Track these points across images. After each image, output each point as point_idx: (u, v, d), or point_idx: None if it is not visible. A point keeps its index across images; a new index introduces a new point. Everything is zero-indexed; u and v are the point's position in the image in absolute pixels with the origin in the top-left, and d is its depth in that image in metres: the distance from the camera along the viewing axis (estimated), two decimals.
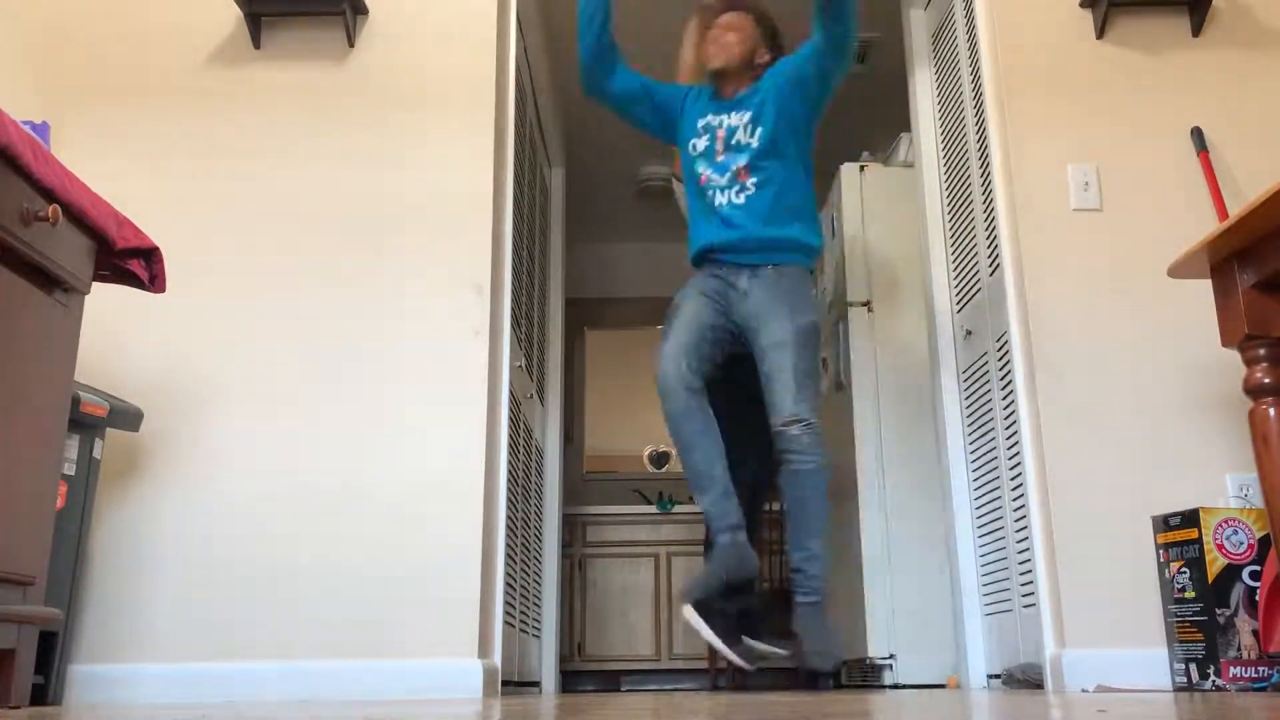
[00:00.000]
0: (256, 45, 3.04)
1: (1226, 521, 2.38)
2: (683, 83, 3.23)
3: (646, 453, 6.18)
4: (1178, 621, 2.42)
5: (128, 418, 2.47)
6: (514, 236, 3.30)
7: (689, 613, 2.83)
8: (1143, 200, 2.86)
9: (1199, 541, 2.37)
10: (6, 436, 1.76)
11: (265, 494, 2.72)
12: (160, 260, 2.20)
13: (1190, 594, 2.38)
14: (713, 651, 4.87)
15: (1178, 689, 2.42)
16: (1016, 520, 2.91)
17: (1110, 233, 2.83)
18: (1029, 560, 2.79)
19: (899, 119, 4.20)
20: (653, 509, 5.51)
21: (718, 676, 4.92)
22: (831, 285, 4.17)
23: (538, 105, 4.30)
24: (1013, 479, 2.94)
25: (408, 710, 1.73)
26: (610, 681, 5.44)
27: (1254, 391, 1.98)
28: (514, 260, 3.39)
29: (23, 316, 1.82)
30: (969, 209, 3.26)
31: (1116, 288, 2.79)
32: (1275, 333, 1.97)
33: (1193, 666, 2.37)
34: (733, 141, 2.95)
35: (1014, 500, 2.93)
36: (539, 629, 4.26)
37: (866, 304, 3.89)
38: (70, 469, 2.36)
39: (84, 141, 2.96)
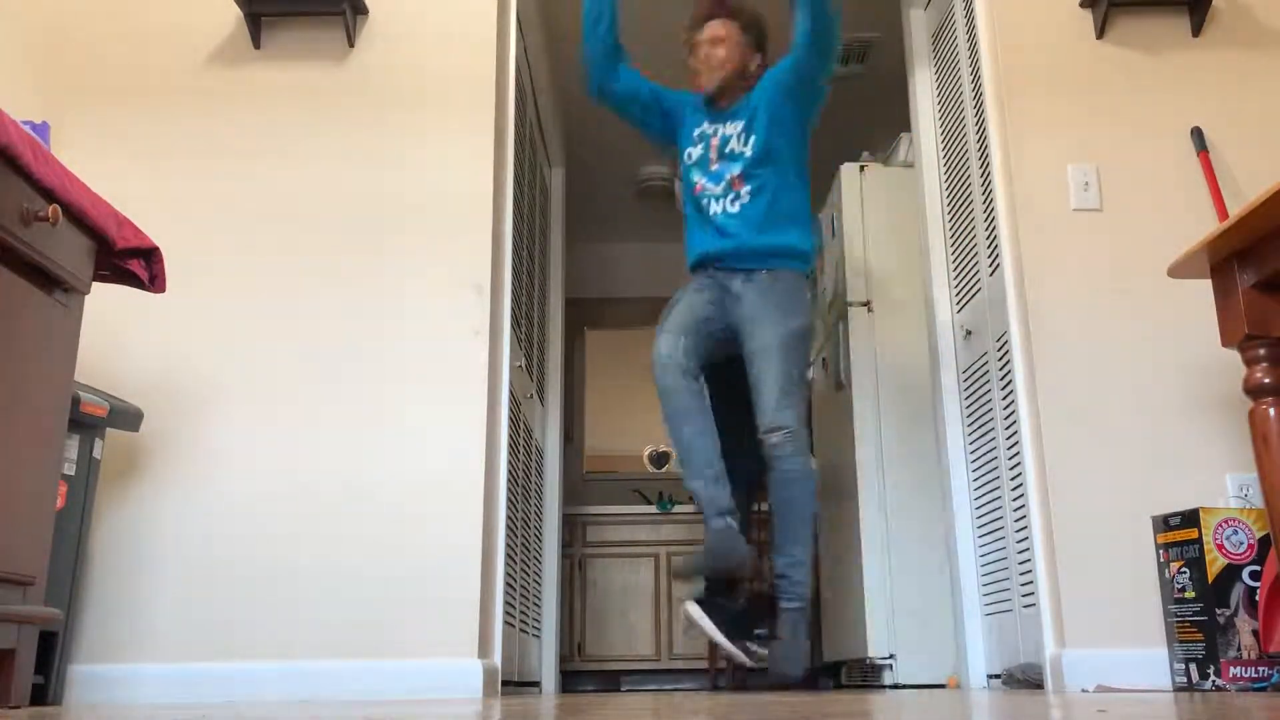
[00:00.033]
0: (256, 45, 3.04)
1: (1226, 521, 2.38)
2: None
3: (646, 453, 6.18)
4: (1178, 621, 2.42)
5: (128, 418, 2.47)
6: (514, 236, 3.30)
7: (693, 609, 2.83)
8: (1143, 200, 2.86)
9: (1199, 541, 2.37)
10: (6, 436, 1.76)
11: (265, 494, 2.72)
12: (160, 260, 2.20)
13: (1190, 594, 2.39)
14: (713, 651, 4.87)
15: (1178, 689, 2.42)
16: (1016, 520, 2.91)
17: (1110, 233, 2.83)
18: (1029, 560, 2.79)
19: (899, 119, 4.20)
20: (653, 509, 5.51)
21: (718, 676, 4.92)
22: (831, 285, 4.17)
23: (538, 105, 4.30)
24: (1013, 479, 2.94)
25: (408, 710, 1.73)
26: (610, 681, 5.44)
27: (1254, 391, 1.98)
28: (514, 260, 3.39)
29: (23, 316, 1.82)
30: (969, 209, 3.26)
31: (1116, 288, 2.79)
32: (1275, 333, 1.97)
33: (1193, 666, 2.37)
34: (726, 150, 2.97)
35: (1014, 500, 2.93)
36: (539, 629, 4.26)
37: (866, 304, 3.89)
38: (70, 469, 2.36)
39: (84, 141, 2.96)
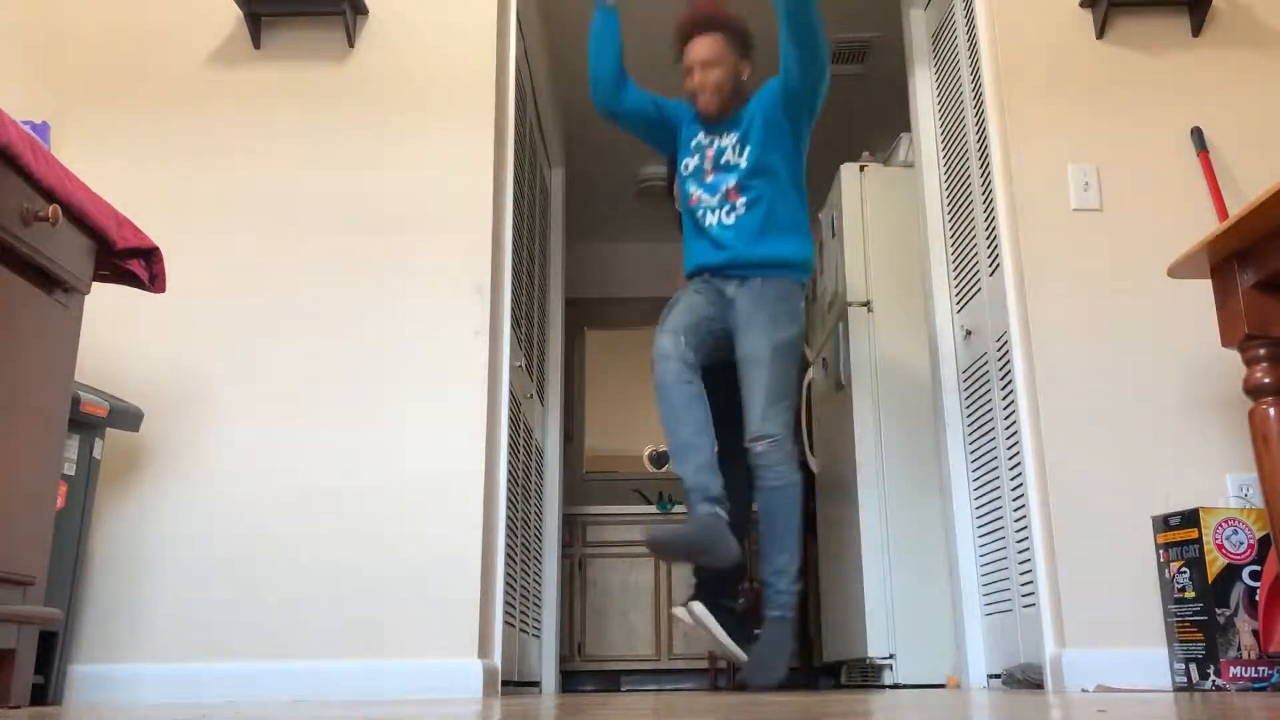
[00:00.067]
0: (256, 45, 3.04)
1: (1226, 521, 2.38)
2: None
3: (646, 453, 6.18)
4: (1178, 621, 2.42)
5: (128, 418, 2.47)
6: (514, 236, 3.30)
7: (698, 609, 2.83)
8: (1143, 200, 2.86)
9: (1199, 541, 2.37)
10: (6, 436, 1.76)
11: (265, 494, 2.72)
12: (160, 260, 2.20)
13: (1190, 594, 2.38)
14: (712, 652, 4.87)
15: (1178, 689, 2.42)
16: (1016, 520, 2.91)
17: (1110, 233, 2.83)
18: (1029, 560, 2.79)
19: (899, 119, 4.20)
20: (653, 509, 5.51)
21: (717, 676, 4.92)
22: (831, 285, 4.17)
23: (538, 105, 4.30)
24: (1013, 479, 2.94)
25: (407, 710, 1.73)
26: (610, 681, 5.44)
27: (1254, 391, 1.98)
28: (514, 260, 3.39)
29: (23, 316, 1.82)
30: (969, 209, 3.26)
31: (1116, 288, 2.79)
32: (1275, 333, 1.97)
33: (1193, 666, 2.37)
34: (721, 161, 2.98)
35: (1014, 500, 2.93)
36: (539, 629, 4.26)
37: (866, 304, 3.89)
38: (70, 469, 2.36)
39: (84, 141, 2.96)
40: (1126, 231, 2.83)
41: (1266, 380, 1.97)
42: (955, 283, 3.41)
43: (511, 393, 3.35)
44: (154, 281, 2.20)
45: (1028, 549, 2.80)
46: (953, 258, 3.44)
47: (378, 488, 2.72)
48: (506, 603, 3.12)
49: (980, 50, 3.07)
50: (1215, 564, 2.35)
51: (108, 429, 2.45)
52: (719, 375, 2.99)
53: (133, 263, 2.14)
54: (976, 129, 3.17)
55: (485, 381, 2.80)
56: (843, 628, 3.98)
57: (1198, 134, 2.88)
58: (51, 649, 2.36)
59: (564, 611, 5.20)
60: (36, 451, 1.86)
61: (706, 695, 2.79)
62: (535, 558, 4.15)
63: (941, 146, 3.56)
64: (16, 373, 1.79)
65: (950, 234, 3.46)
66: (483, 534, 2.70)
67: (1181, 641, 2.41)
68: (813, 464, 4.42)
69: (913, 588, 3.62)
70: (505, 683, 3.13)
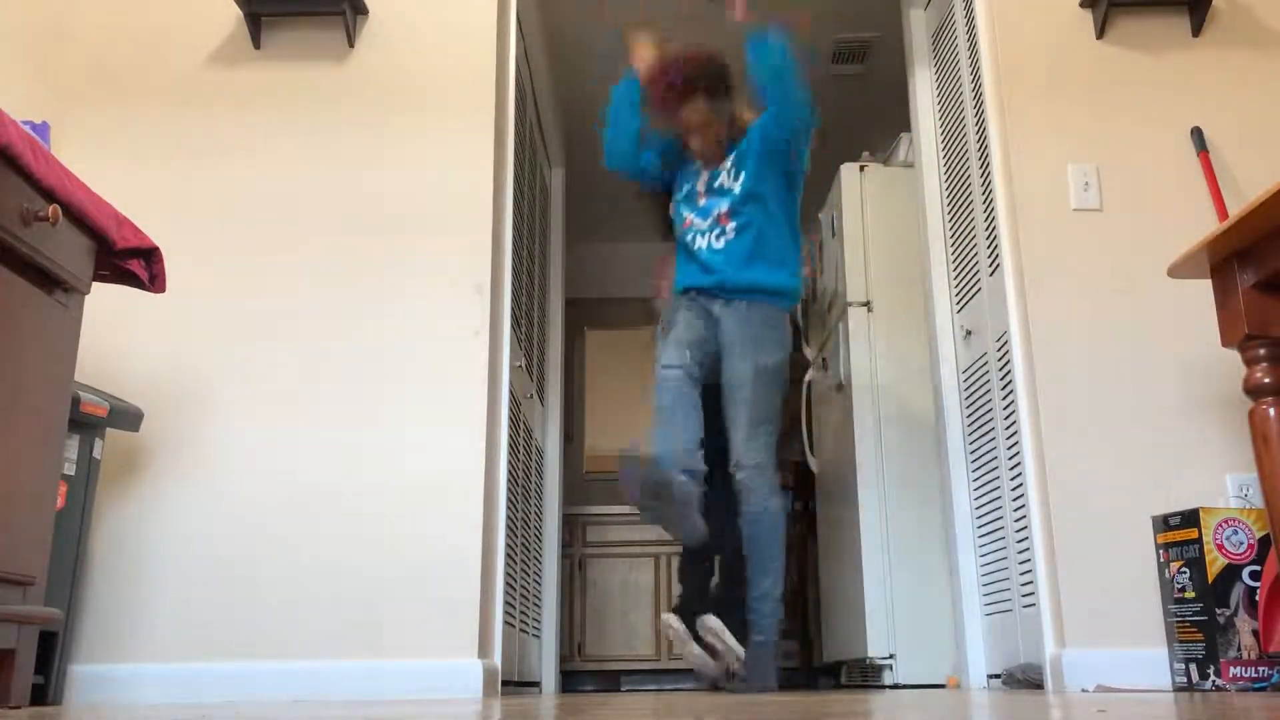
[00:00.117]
0: (256, 45, 3.04)
1: (1226, 521, 2.38)
2: None
3: None
4: (1178, 621, 2.42)
5: (128, 418, 2.47)
6: (514, 236, 3.30)
7: (713, 621, 2.83)
8: (1143, 200, 2.86)
9: (1199, 541, 2.37)
10: (6, 436, 1.76)
11: (265, 494, 2.72)
12: (160, 260, 2.20)
13: (1190, 594, 2.38)
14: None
15: (1178, 689, 2.42)
16: (1016, 520, 2.91)
17: (1110, 233, 2.83)
18: (1029, 560, 2.79)
19: (899, 119, 4.20)
20: None
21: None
22: (831, 285, 4.17)
23: (538, 105, 4.30)
24: (1013, 479, 2.94)
25: (408, 710, 1.73)
26: (610, 681, 5.44)
27: (1254, 391, 1.98)
28: (514, 260, 3.39)
29: (23, 316, 1.82)
30: (969, 209, 3.26)
31: (1116, 288, 2.79)
32: (1275, 333, 1.97)
33: (1193, 666, 2.37)
34: (715, 185, 2.98)
35: (1014, 500, 2.93)
36: (539, 629, 4.26)
37: (866, 304, 3.89)
38: (70, 469, 2.36)
39: (84, 141, 2.96)
40: (1126, 231, 2.83)
41: (1266, 380, 1.97)
42: (955, 283, 3.41)
43: (511, 393, 3.35)
44: (154, 281, 2.20)
45: (1028, 549, 2.80)
46: (953, 258, 3.44)
47: (378, 488, 2.72)
48: (506, 603, 3.12)
49: (980, 50, 3.07)
50: (1215, 564, 2.35)
51: (108, 429, 2.45)
52: (707, 403, 2.97)
53: (133, 263, 2.14)
54: (976, 129, 3.17)
55: (485, 381, 2.80)
56: (843, 628, 3.98)
57: (1198, 134, 2.88)
58: (51, 649, 2.36)
59: (564, 611, 5.20)
60: (36, 451, 1.86)
61: (706, 695, 2.79)
62: (535, 558, 4.15)
63: (941, 146, 3.56)
64: (16, 373, 1.79)
65: (950, 234, 3.46)
66: (483, 534, 2.70)
67: (1181, 641, 2.41)
68: (812, 464, 4.42)
69: (913, 588, 3.62)
70: (505, 683, 3.13)
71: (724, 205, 2.95)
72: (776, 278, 2.92)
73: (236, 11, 3.06)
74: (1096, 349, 2.75)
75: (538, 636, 4.20)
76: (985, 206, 3.11)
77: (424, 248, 2.89)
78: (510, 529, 3.28)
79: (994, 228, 3.01)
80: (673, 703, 2.09)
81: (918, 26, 3.73)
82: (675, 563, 5.40)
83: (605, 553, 5.46)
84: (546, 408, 4.59)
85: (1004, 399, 2.99)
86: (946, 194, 3.50)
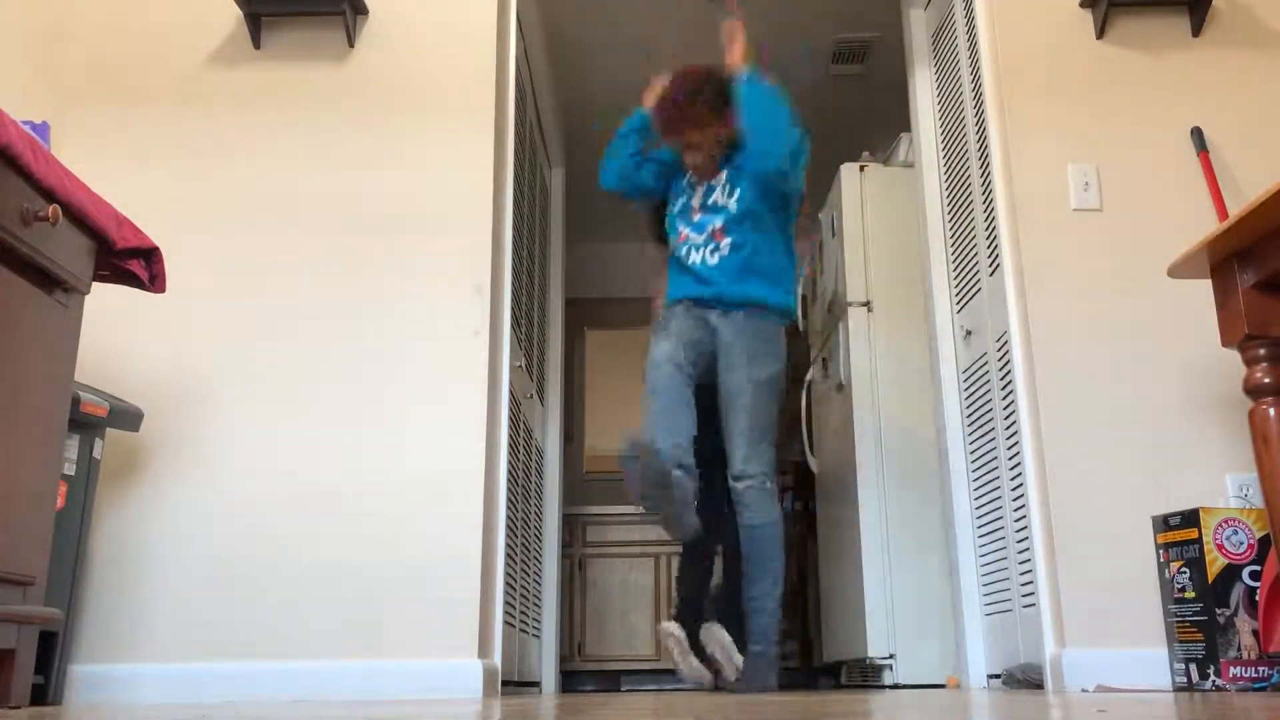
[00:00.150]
0: (256, 45, 3.04)
1: (1226, 521, 2.38)
2: None
3: None
4: (1178, 621, 2.42)
5: (128, 418, 2.47)
6: (514, 236, 3.30)
7: (719, 631, 2.83)
8: (1143, 200, 2.86)
9: (1199, 541, 2.37)
10: (6, 436, 1.76)
11: (265, 494, 2.72)
12: (160, 260, 2.20)
13: (1190, 594, 2.38)
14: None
15: (1178, 689, 2.42)
16: (1016, 520, 2.91)
17: (1110, 233, 2.83)
18: (1029, 560, 2.79)
19: (899, 119, 4.20)
20: None
21: (717, 677, 4.92)
22: (831, 285, 4.17)
23: (538, 105, 4.30)
24: (1013, 479, 2.94)
25: (407, 710, 1.73)
26: (610, 681, 5.44)
27: (1254, 391, 1.98)
28: (514, 260, 3.39)
29: (23, 316, 1.82)
30: (969, 209, 3.26)
31: (1116, 288, 2.79)
32: (1275, 333, 1.97)
33: (1193, 666, 2.37)
34: (709, 202, 2.98)
35: (1014, 500, 2.93)
36: (539, 629, 4.26)
37: (866, 304, 3.89)
38: (70, 469, 2.36)
39: (84, 141, 2.96)
40: (1126, 231, 2.83)
41: (1266, 380, 1.97)
42: (955, 283, 3.41)
43: (511, 393, 3.35)
44: (154, 281, 2.20)
45: (1028, 549, 2.80)
46: (953, 258, 3.44)
47: (378, 488, 2.72)
48: (506, 603, 3.12)
49: (980, 50, 3.07)
50: (1215, 564, 2.35)
51: (108, 429, 2.45)
52: (702, 402, 2.96)
53: (133, 263, 2.14)
54: (976, 129, 3.17)
55: (485, 381, 2.80)
56: (843, 628, 3.98)
57: (1198, 134, 2.88)
58: (51, 649, 2.36)
59: (564, 611, 5.20)
60: (36, 451, 1.86)
61: (706, 695, 2.79)
62: (535, 558, 4.15)
63: (941, 146, 3.56)
64: (16, 373, 1.79)
65: (950, 234, 3.46)
66: (483, 534, 2.70)
67: (1181, 641, 2.41)
68: (812, 464, 4.42)
69: (913, 588, 3.62)
70: (505, 683, 3.13)
71: (719, 221, 2.95)
72: (773, 295, 2.92)
73: (236, 11, 3.06)
74: (1096, 349, 2.75)
75: (538, 636, 4.20)
76: (985, 206, 3.11)
77: (424, 248, 2.89)
78: (510, 529, 3.28)
79: (994, 228, 3.01)
80: (673, 703, 2.09)
81: (918, 26, 3.73)
82: (675, 563, 5.41)
83: (605, 553, 5.46)
84: (546, 408, 4.59)
85: (1004, 399, 2.99)
86: (946, 194, 3.50)
